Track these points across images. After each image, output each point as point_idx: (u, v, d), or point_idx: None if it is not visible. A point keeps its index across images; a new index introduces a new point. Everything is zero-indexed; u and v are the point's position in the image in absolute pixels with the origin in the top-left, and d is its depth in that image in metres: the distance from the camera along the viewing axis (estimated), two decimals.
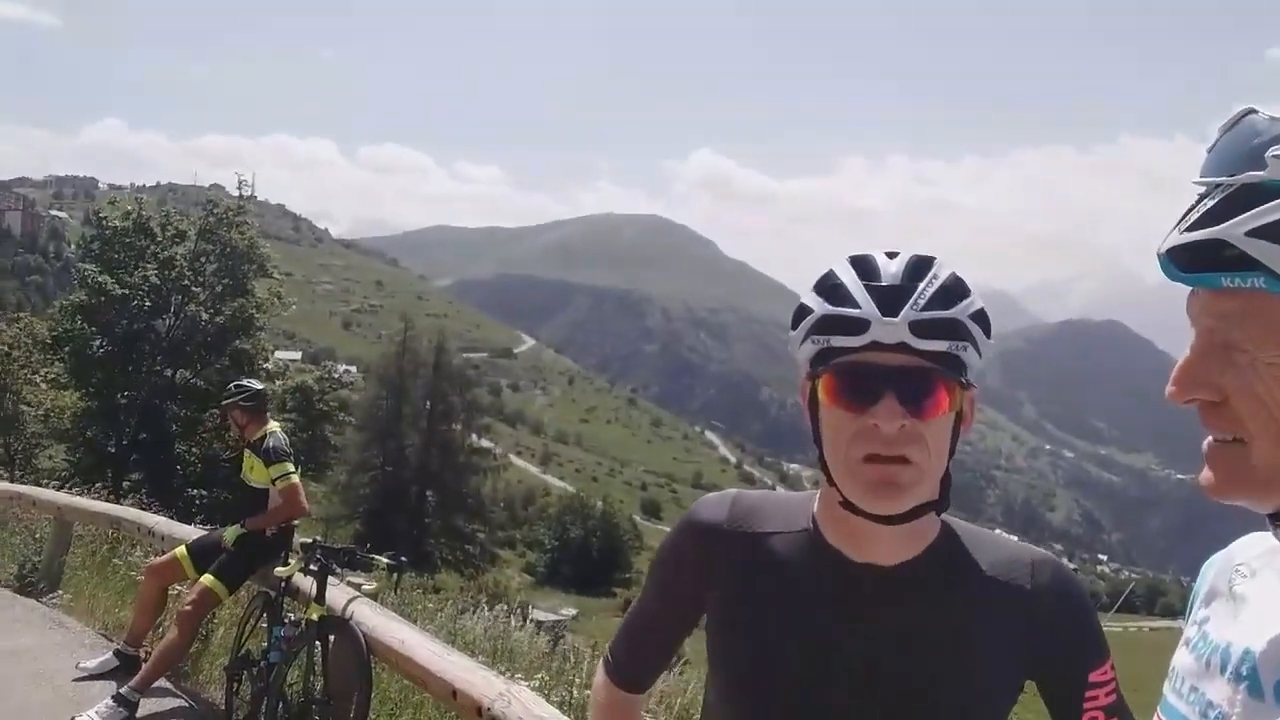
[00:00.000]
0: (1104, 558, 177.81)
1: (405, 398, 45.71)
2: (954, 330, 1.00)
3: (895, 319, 0.98)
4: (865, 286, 1.01)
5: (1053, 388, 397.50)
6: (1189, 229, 0.72)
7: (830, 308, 1.02)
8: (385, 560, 4.22)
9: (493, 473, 49.74)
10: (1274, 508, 0.74)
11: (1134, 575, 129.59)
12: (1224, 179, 0.71)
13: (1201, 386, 0.75)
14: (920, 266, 1.03)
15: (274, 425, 4.95)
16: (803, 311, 1.06)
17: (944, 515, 1.11)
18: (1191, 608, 0.89)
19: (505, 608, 7.90)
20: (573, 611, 39.70)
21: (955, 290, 1.02)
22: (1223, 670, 0.78)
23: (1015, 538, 1.18)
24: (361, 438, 42.63)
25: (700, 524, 1.20)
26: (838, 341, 1.01)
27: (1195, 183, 0.74)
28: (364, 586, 4.40)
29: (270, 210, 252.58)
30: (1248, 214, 0.68)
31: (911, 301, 0.99)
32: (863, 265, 1.04)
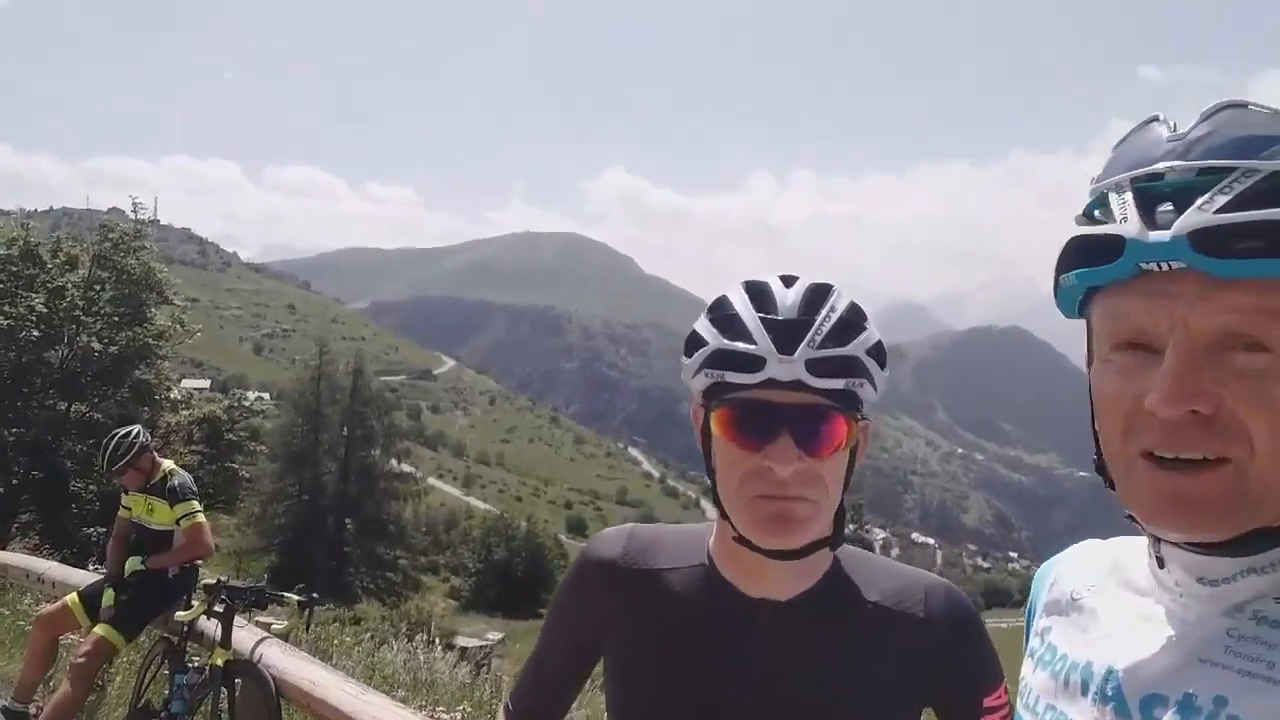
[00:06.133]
0: (1014, 555, 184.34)
1: (322, 424, 44.42)
2: (851, 367, 0.97)
3: (791, 357, 0.94)
4: (761, 320, 0.97)
5: (962, 393, 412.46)
6: (1223, 210, 0.60)
7: (725, 342, 0.97)
8: (295, 597, 4.05)
9: (414, 497, 48.74)
10: (1229, 534, 0.64)
11: None
12: (1251, 162, 0.60)
13: (1196, 397, 0.62)
14: (818, 296, 0.99)
15: (169, 463, 4.74)
16: (697, 342, 1.01)
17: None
18: (1031, 617, 0.87)
19: (425, 637, 7.71)
20: (499, 635, 39.03)
21: (852, 324, 0.98)
22: (1084, 690, 0.74)
23: (908, 565, 1.17)
24: (276, 467, 41.24)
25: (596, 561, 1.18)
26: (732, 377, 0.96)
27: (1179, 166, 0.63)
28: (273, 626, 4.21)
29: (174, 234, 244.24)
30: None
31: (809, 339, 0.95)
32: (758, 295, 1.00)
